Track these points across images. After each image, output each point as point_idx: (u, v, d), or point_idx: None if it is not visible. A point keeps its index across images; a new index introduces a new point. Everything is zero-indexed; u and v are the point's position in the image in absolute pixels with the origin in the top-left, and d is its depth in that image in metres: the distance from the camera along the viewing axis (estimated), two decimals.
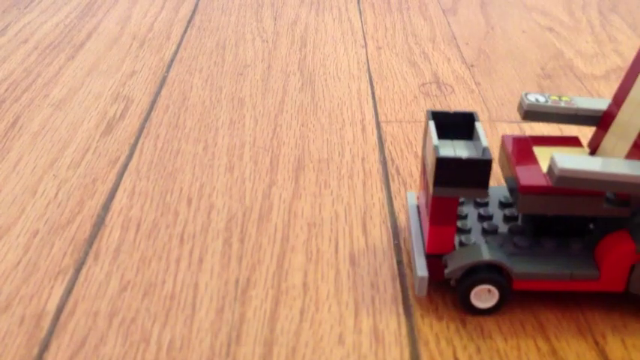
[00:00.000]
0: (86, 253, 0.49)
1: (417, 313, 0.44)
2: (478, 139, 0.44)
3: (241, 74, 0.76)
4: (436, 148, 0.42)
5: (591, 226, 0.45)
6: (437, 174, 0.41)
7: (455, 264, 0.43)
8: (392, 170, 0.59)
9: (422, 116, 0.68)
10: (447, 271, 0.43)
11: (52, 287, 0.46)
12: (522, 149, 0.46)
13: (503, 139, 0.47)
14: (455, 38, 0.86)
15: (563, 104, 0.46)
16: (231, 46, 0.83)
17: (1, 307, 0.45)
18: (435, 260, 0.44)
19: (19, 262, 0.48)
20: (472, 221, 0.46)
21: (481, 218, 0.47)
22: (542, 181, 0.42)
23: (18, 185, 0.57)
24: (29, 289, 0.46)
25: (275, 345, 0.42)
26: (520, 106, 0.47)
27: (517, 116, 0.68)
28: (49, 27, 0.89)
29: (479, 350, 0.42)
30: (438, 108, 0.69)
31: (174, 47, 0.83)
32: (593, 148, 0.46)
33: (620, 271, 0.43)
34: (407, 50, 0.82)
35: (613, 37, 0.87)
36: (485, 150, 0.42)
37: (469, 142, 0.45)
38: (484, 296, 0.43)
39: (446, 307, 0.45)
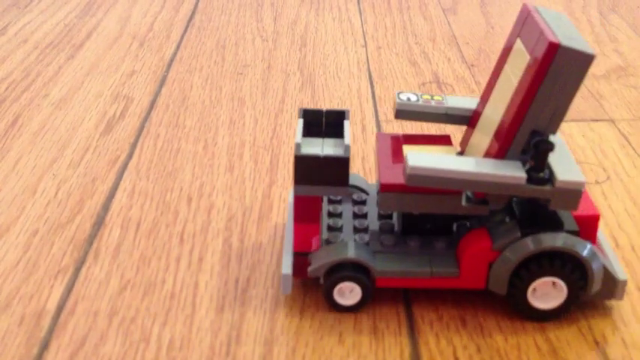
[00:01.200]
0: (86, 253, 0.49)
1: (417, 312, 0.44)
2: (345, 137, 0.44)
3: (241, 74, 0.76)
4: (297, 146, 0.42)
5: (468, 224, 0.46)
6: (297, 172, 0.42)
7: (318, 262, 0.43)
8: None
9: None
10: (310, 268, 0.44)
11: (51, 286, 0.46)
12: (391, 147, 0.46)
13: (377, 136, 0.48)
14: (455, 38, 0.86)
15: (433, 103, 0.47)
16: (231, 46, 0.83)
17: (1, 307, 0.45)
18: (301, 258, 0.44)
19: (18, 262, 0.48)
20: (346, 219, 0.47)
21: (355, 216, 0.47)
22: (400, 180, 0.42)
23: (18, 185, 0.57)
24: (29, 288, 0.46)
25: (275, 344, 0.42)
26: (394, 105, 0.47)
27: None
28: (48, 26, 0.89)
29: (479, 350, 0.42)
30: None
31: (174, 47, 0.83)
32: (464, 147, 0.46)
33: (479, 269, 0.43)
34: (407, 50, 0.82)
35: (613, 37, 0.87)
36: (346, 148, 0.42)
37: (339, 140, 0.45)
38: (347, 293, 0.44)
39: (446, 306, 0.45)
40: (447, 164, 0.40)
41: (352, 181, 0.47)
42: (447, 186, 0.40)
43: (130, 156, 0.61)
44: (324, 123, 0.45)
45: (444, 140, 0.47)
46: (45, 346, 0.42)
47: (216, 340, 0.42)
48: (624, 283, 0.43)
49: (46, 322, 0.44)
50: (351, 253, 0.43)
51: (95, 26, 0.89)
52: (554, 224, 0.42)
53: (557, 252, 0.42)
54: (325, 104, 0.69)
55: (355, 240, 0.44)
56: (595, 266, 0.42)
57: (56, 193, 0.56)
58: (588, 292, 0.43)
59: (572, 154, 0.42)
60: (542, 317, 0.43)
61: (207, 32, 0.87)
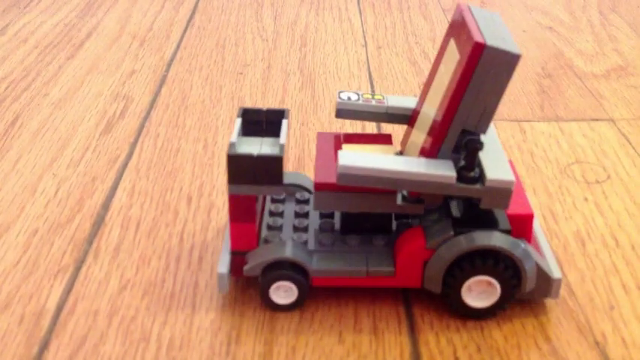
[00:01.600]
0: (86, 252, 0.49)
1: (417, 312, 0.44)
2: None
3: (241, 73, 0.76)
4: (230, 145, 0.42)
5: (410, 222, 0.46)
6: (230, 172, 0.42)
7: (254, 261, 0.43)
8: None
9: None
10: (245, 267, 0.44)
11: (51, 286, 0.46)
12: (331, 147, 0.46)
13: (318, 136, 0.48)
14: None
15: (374, 102, 0.47)
16: (231, 46, 0.83)
17: (1, 306, 0.45)
18: (238, 257, 0.44)
19: (18, 261, 0.48)
20: (287, 218, 0.47)
21: (296, 215, 0.47)
22: (335, 179, 0.42)
23: (17, 184, 0.57)
24: (29, 287, 0.46)
25: (275, 344, 0.42)
26: (335, 105, 0.47)
27: (517, 114, 0.68)
28: (48, 26, 0.89)
29: (479, 349, 0.42)
30: None
31: (174, 46, 0.83)
32: (403, 146, 0.46)
33: (414, 267, 0.43)
34: (407, 49, 0.82)
35: (613, 37, 0.87)
36: (281, 147, 0.42)
37: (277, 140, 0.45)
38: (284, 292, 0.44)
39: (446, 306, 0.45)
40: (379, 164, 0.40)
41: (296, 180, 0.47)
42: (379, 185, 0.40)
43: (129, 155, 0.61)
44: (264, 122, 0.45)
45: (385, 139, 0.47)
46: (45, 345, 0.42)
47: (216, 340, 0.42)
48: (559, 281, 0.43)
49: (46, 321, 0.44)
50: (287, 252, 0.43)
51: (95, 26, 0.89)
52: (488, 223, 0.43)
53: (490, 250, 0.42)
54: (325, 104, 0.69)
55: (293, 239, 0.44)
56: (527, 265, 0.42)
57: (56, 193, 0.56)
58: (522, 290, 0.43)
59: (505, 153, 0.42)
60: (478, 315, 0.44)
61: (207, 32, 0.87)
